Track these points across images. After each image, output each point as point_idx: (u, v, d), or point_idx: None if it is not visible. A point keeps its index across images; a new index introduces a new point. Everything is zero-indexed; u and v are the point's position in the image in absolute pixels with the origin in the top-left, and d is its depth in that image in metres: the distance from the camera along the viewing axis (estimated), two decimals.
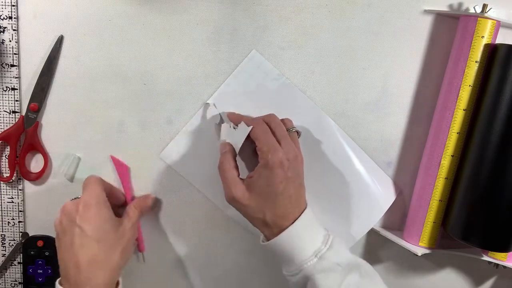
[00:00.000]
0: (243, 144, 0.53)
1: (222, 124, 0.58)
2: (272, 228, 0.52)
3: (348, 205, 0.62)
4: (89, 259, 0.52)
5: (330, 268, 0.50)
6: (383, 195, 0.62)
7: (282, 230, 0.51)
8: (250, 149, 0.56)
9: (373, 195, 0.62)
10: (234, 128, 0.56)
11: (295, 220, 0.51)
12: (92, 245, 0.52)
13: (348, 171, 0.61)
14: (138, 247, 0.62)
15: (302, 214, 0.52)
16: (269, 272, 0.65)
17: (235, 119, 0.57)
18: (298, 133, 0.56)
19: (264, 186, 0.51)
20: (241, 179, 0.53)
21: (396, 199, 0.63)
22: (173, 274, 0.65)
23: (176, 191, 0.62)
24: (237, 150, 0.54)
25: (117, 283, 0.55)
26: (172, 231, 0.63)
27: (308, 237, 0.52)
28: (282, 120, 0.55)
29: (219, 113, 0.59)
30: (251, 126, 0.53)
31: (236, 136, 0.55)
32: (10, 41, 0.57)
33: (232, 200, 0.52)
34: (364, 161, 0.62)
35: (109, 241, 0.53)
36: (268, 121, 0.53)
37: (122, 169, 0.60)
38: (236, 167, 0.54)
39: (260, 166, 0.51)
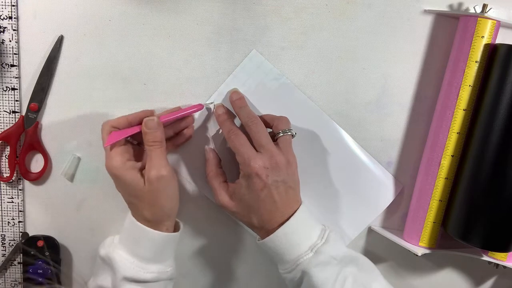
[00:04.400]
0: (231, 150, 0.54)
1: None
2: (261, 230, 0.54)
3: (346, 203, 0.62)
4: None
5: (326, 262, 0.51)
6: (382, 194, 0.63)
7: (270, 232, 0.52)
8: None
9: (371, 194, 0.62)
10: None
11: (287, 220, 0.52)
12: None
13: (347, 170, 0.62)
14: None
15: (296, 212, 0.53)
16: (269, 271, 0.65)
17: (238, 105, 0.57)
18: (292, 135, 0.55)
19: (246, 194, 0.52)
20: (228, 184, 0.55)
21: (396, 199, 0.63)
22: None
23: None
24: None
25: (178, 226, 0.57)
26: None
27: (302, 234, 0.52)
28: (278, 119, 0.56)
29: (213, 111, 0.59)
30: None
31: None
32: (10, 41, 0.57)
33: (221, 206, 0.55)
34: (364, 160, 0.62)
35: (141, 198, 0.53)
36: (250, 129, 0.54)
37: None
38: (221, 173, 0.57)
39: (240, 176, 0.53)
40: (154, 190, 0.51)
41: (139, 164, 0.53)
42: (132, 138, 0.56)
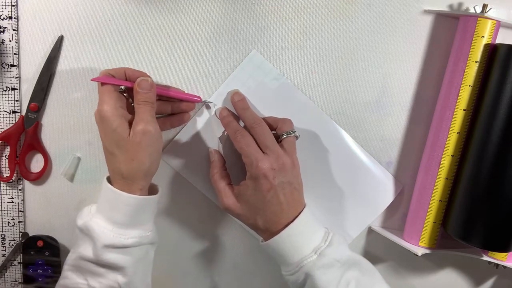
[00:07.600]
0: (236, 151, 0.54)
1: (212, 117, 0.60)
2: (265, 232, 0.53)
3: (346, 203, 0.62)
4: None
5: (330, 264, 0.51)
6: (381, 194, 0.63)
7: (274, 234, 0.52)
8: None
9: (371, 194, 0.62)
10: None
11: (291, 222, 0.52)
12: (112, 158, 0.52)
13: (347, 170, 0.62)
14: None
15: (300, 214, 0.53)
16: (269, 271, 0.65)
17: (240, 106, 0.57)
18: (296, 136, 0.55)
19: (252, 196, 0.52)
20: (232, 186, 0.55)
21: (396, 199, 0.63)
22: (173, 274, 0.65)
23: (176, 191, 0.62)
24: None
25: (156, 189, 0.56)
26: (172, 231, 0.63)
27: (306, 236, 0.52)
28: (282, 121, 0.56)
29: (215, 111, 0.59)
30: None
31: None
32: (10, 41, 0.57)
33: (225, 209, 0.55)
34: (364, 160, 0.62)
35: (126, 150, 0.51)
36: (254, 131, 0.53)
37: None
38: (226, 175, 0.57)
39: (247, 177, 0.53)
40: (137, 143, 0.50)
41: (129, 116, 0.52)
42: (130, 98, 0.55)
